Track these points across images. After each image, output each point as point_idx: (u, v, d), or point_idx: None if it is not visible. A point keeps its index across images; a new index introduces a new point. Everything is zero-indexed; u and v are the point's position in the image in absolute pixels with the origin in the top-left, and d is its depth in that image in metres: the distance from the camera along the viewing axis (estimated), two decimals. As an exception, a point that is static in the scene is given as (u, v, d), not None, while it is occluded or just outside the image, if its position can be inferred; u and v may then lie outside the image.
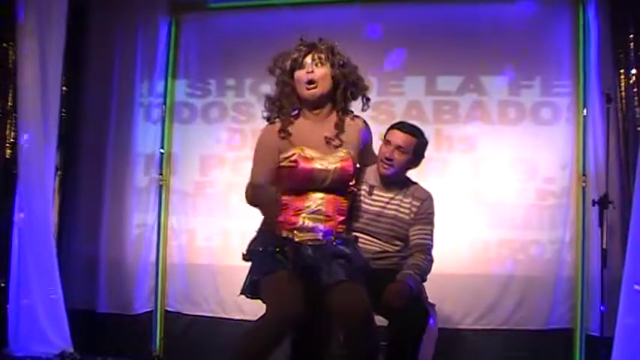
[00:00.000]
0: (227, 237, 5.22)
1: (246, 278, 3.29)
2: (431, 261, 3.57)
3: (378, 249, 3.58)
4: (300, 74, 3.26)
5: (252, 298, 3.29)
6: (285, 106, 3.28)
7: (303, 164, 3.21)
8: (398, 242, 3.62)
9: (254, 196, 3.28)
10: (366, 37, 5.12)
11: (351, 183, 3.38)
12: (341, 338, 3.22)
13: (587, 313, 4.68)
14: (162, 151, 5.36)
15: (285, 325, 3.09)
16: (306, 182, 3.24)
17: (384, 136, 3.62)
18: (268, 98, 3.34)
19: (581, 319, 4.71)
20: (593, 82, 4.76)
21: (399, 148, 3.55)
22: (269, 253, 3.21)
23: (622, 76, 4.67)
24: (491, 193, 4.95)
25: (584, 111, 4.79)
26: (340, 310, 3.11)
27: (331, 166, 3.24)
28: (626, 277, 3.99)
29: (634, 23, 4.60)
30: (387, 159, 3.55)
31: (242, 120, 5.32)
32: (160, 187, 5.34)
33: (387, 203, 3.60)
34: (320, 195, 3.26)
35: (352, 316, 3.09)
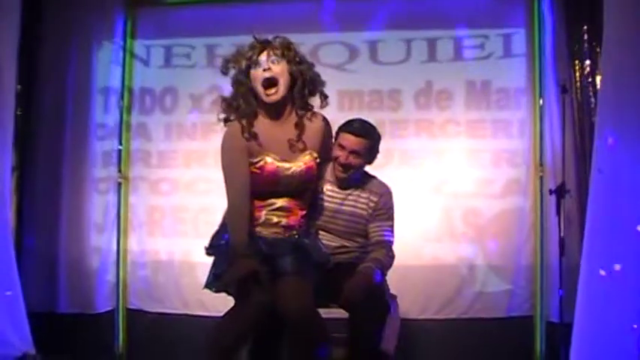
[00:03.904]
0: (188, 232, 5.19)
1: (210, 272, 3.27)
2: (392, 257, 3.58)
3: (336, 244, 3.59)
4: (256, 73, 3.19)
5: (216, 292, 3.28)
6: (242, 107, 3.21)
7: (269, 171, 3.19)
8: (358, 238, 3.63)
9: (233, 224, 3.19)
10: (322, 31, 5.15)
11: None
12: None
13: (547, 300, 4.76)
14: (120, 147, 5.30)
15: (257, 313, 3.11)
16: (271, 187, 3.23)
17: (336, 138, 3.59)
18: (224, 99, 3.27)
19: (541, 306, 4.79)
20: (549, 73, 4.83)
21: (353, 152, 3.54)
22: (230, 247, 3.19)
23: (577, 67, 4.73)
24: (449, 183, 5.00)
25: (540, 101, 4.85)
26: (280, 303, 3.12)
27: (297, 170, 3.23)
28: (584, 264, 4.06)
29: (588, 15, 4.66)
30: (343, 165, 3.54)
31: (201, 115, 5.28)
32: (119, 183, 5.29)
33: (345, 199, 3.60)
34: (284, 196, 3.26)
35: (290, 310, 3.11)
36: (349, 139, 3.54)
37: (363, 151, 3.57)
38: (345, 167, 3.55)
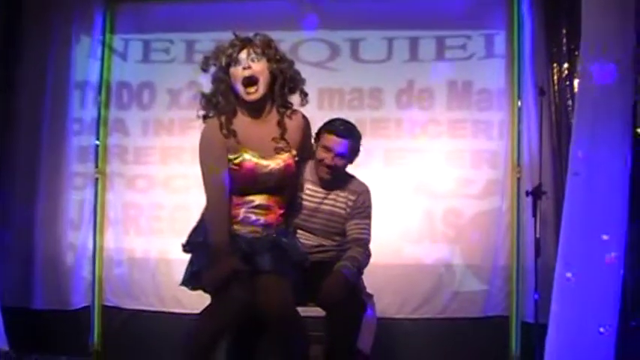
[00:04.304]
0: (164, 230, 5.17)
1: (187, 269, 3.26)
2: (368, 255, 3.60)
3: (314, 243, 3.60)
4: (236, 71, 3.18)
5: (192, 289, 3.28)
6: (221, 104, 3.20)
7: (247, 168, 3.19)
8: (336, 237, 3.64)
9: (213, 223, 3.19)
10: (303, 29, 5.14)
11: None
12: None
13: (523, 300, 4.79)
14: (97, 142, 5.26)
15: (235, 310, 3.11)
16: (249, 184, 3.23)
17: (318, 139, 3.59)
18: (203, 95, 3.26)
19: (517, 306, 4.82)
20: (527, 75, 4.85)
21: (340, 155, 3.55)
22: (209, 245, 3.17)
23: (555, 70, 4.77)
24: (430, 183, 5.00)
25: (519, 103, 4.88)
26: (259, 300, 3.12)
27: (275, 168, 3.23)
28: (558, 266, 4.09)
29: (567, 18, 4.70)
30: (329, 166, 3.54)
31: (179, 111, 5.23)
32: (96, 179, 5.24)
33: (324, 199, 3.61)
34: (263, 193, 3.25)
35: (268, 308, 3.12)
36: (334, 141, 3.55)
37: (348, 153, 3.59)
38: (332, 169, 3.55)
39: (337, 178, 3.62)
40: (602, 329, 3.83)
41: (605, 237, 3.86)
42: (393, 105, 5.08)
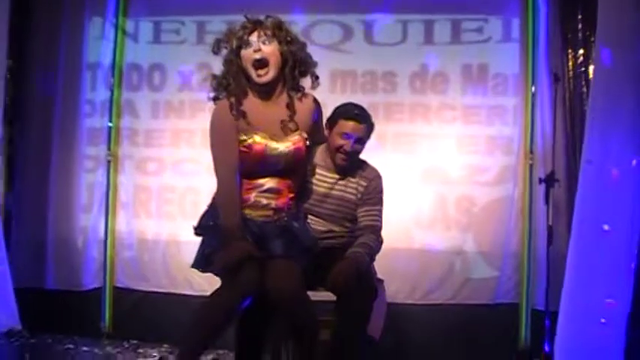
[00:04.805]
0: (175, 213, 5.17)
1: (198, 252, 3.27)
2: (380, 242, 3.59)
3: (324, 229, 3.58)
4: (246, 53, 3.17)
5: (203, 271, 3.29)
6: (231, 85, 3.19)
7: (257, 150, 3.18)
8: (347, 223, 3.63)
9: (225, 207, 3.18)
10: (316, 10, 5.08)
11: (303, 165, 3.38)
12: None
13: (533, 288, 4.77)
14: (110, 124, 5.26)
15: (241, 294, 3.10)
16: (259, 166, 3.22)
17: (333, 126, 3.55)
18: (214, 77, 3.25)
19: (527, 293, 4.79)
20: (542, 62, 4.80)
21: (359, 140, 3.54)
22: (220, 228, 3.17)
23: (570, 56, 4.73)
24: (440, 168, 4.96)
25: (532, 89, 4.83)
26: (270, 284, 3.12)
27: (285, 150, 3.22)
28: (571, 253, 4.08)
29: (582, 4, 4.65)
30: (347, 153, 3.52)
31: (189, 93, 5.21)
32: (108, 162, 5.23)
33: (335, 184, 3.59)
34: (272, 176, 3.25)
35: (279, 292, 3.12)
36: (353, 127, 3.52)
37: (365, 137, 3.58)
38: (350, 155, 3.54)
39: (350, 164, 3.61)
40: (603, 320, 3.83)
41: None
42: (406, 89, 5.02)
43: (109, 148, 5.23)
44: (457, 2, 4.99)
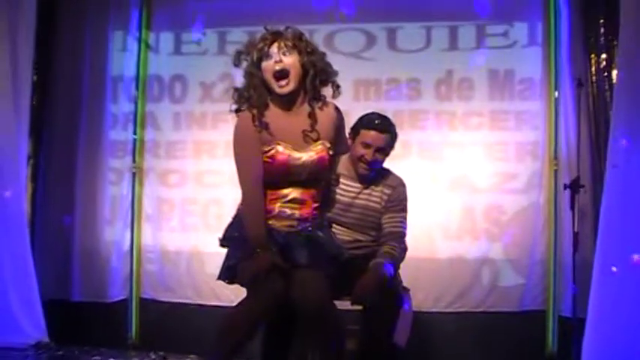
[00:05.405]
0: (202, 224, 5.19)
1: (223, 264, 3.27)
2: (404, 249, 3.58)
3: (349, 238, 3.58)
4: (267, 65, 3.18)
5: (229, 283, 3.29)
6: (253, 97, 3.20)
7: (280, 160, 3.19)
8: (372, 232, 3.62)
9: (250, 218, 3.19)
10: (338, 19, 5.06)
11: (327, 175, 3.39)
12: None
13: (560, 294, 4.73)
14: (135, 136, 5.30)
15: (267, 304, 3.11)
16: (282, 177, 3.23)
17: (356, 135, 3.57)
18: (236, 90, 3.26)
19: (554, 300, 4.76)
20: (565, 67, 4.77)
21: (380, 150, 3.55)
22: (246, 239, 3.18)
23: (593, 61, 4.70)
24: (468, 177, 4.93)
25: (556, 94, 4.80)
26: (296, 294, 3.12)
27: (308, 160, 3.22)
28: (597, 259, 4.04)
29: (604, 8, 4.63)
30: (368, 162, 3.53)
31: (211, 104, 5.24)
32: (134, 173, 5.28)
33: (359, 193, 3.60)
34: (296, 186, 3.25)
35: (305, 302, 3.11)
36: (374, 137, 3.53)
37: (387, 147, 3.58)
38: (371, 165, 3.55)
39: (372, 173, 3.61)
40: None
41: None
42: (431, 96, 5.00)
43: (134, 160, 5.28)
44: (480, 7, 4.94)
